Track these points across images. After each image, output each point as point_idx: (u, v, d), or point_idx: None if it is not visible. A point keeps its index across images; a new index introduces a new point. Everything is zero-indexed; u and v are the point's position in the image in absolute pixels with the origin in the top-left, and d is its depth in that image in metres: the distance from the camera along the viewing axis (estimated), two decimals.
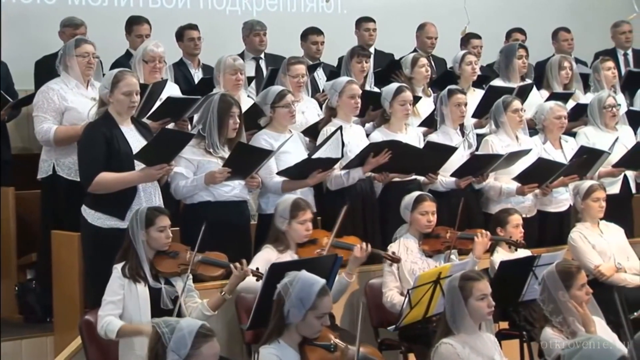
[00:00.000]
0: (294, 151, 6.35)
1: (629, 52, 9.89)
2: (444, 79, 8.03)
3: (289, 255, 5.72)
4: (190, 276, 5.25)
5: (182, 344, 3.60)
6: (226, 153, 5.92)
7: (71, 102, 6.22)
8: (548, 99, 7.80)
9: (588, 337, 3.57)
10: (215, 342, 3.69)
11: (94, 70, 6.38)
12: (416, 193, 6.27)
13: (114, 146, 5.56)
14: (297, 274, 4.51)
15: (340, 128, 6.35)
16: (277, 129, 6.39)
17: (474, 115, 7.63)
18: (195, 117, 6.29)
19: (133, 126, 5.74)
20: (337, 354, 4.53)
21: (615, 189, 7.46)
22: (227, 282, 5.35)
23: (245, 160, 5.91)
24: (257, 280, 5.28)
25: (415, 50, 8.98)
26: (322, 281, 4.52)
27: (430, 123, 7.28)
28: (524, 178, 6.92)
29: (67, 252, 5.98)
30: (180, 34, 8.38)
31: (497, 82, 8.20)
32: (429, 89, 7.86)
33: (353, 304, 6.07)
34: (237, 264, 5.26)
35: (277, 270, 4.99)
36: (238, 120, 5.98)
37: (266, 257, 5.65)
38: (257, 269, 5.34)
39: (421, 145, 6.84)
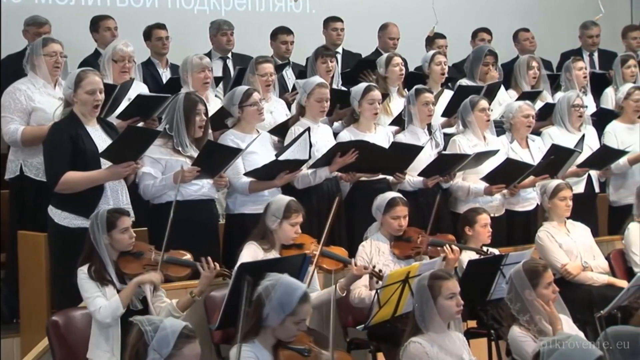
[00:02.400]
0: (261, 151, 6.35)
1: (595, 53, 9.97)
2: (411, 79, 8.05)
3: (273, 255, 5.71)
4: None
5: (164, 343, 3.61)
6: (194, 152, 5.90)
7: (38, 102, 6.18)
8: (519, 99, 7.85)
9: (568, 336, 3.61)
10: (197, 343, 3.70)
11: (62, 69, 6.34)
12: (389, 195, 6.26)
13: (80, 145, 5.54)
14: (280, 278, 4.46)
15: (309, 129, 6.35)
16: (245, 129, 6.38)
17: (443, 115, 7.66)
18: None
19: (99, 126, 5.72)
20: (311, 358, 4.53)
21: (579, 188, 7.51)
22: (193, 281, 5.34)
23: (214, 159, 5.90)
24: (223, 279, 5.26)
25: (377, 50, 9.01)
26: (304, 287, 4.49)
27: (401, 122, 7.28)
28: (491, 178, 6.95)
29: (34, 252, 5.94)
30: (148, 34, 8.35)
31: (465, 82, 8.24)
32: (405, 89, 7.88)
33: (322, 304, 6.06)
34: (204, 263, 5.24)
35: (246, 270, 4.98)
36: (204, 117, 5.97)
37: (253, 254, 5.64)
38: (222, 267, 5.32)
39: None
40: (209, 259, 5.29)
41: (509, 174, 6.96)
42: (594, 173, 7.64)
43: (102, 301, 4.99)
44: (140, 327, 3.66)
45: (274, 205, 5.79)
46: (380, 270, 5.85)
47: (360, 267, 5.72)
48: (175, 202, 5.36)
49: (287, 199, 5.88)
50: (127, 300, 5.00)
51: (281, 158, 6.27)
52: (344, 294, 5.70)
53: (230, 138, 6.30)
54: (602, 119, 8.04)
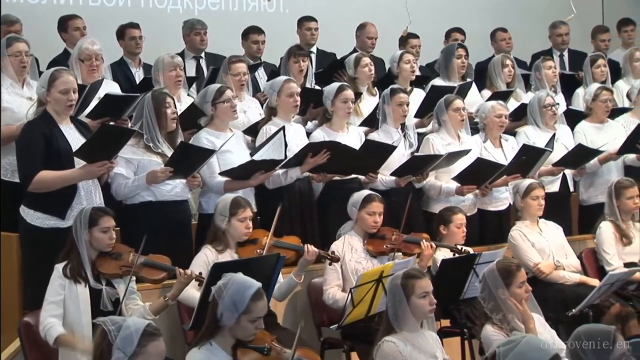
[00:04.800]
0: (236, 151, 6.34)
1: (565, 53, 10.04)
2: (386, 80, 8.06)
3: (229, 255, 5.71)
4: (134, 278, 5.22)
5: (128, 342, 3.62)
6: (166, 148, 5.88)
7: (6, 101, 6.12)
8: (490, 98, 7.88)
9: (523, 336, 3.64)
10: (161, 341, 3.71)
11: (29, 68, 6.29)
12: (365, 192, 6.29)
13: (53, 144, 5.51)
14: (232, 277, 4.47)
15: (283, 128, 6.35)
16: (219, 127, 6.37)
17: (416, 115, 7.68)
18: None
19: (72, 125, 5.69)
20: (272, 356, 4.52)
21: (554, 187, 7.56)
22: (169, 282, 5.32)
23: (187, 160, 5.88)
24: (200, 285, 5.25)
25: (355, 50, 9.02)
26: (257, 285, 4.47)
27: (371, 122, 7.30)
28: (463, 178, 6.97)
29: (5, 253, 5.88)
30: (122, 33, 8.31)
31: (438, 82, 8.27)
32: (374, 88, 7.89)
33: (296, 304, 6.07)
34: (183, 270, 5.22)
35: (220, 270, 4.96)
36: (175, 110, 5.96)
37: (204, 258, 5.63)
38: (200, 273, 5.31)
39: None
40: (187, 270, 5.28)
41: (479, 174, 6.98)
42: (568, 172, 7.68)
43: (51, 310, 5.00)
44: (104, 327, 3.67)
45: (220, 205, 5.80)
46: (333, 252, 5.88)
47: (312, 251, 5.73)
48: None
49: (232, 195, 5.89)
50: (60, 344, 4.96)
51: (256, 157, 6.26)
52: (301, 280, 5.72)
53: (205, 137, 6.28)
54: (570, 119, 8.07)
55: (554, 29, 10.04)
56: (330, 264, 5.95)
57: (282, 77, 6.86)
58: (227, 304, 4.38)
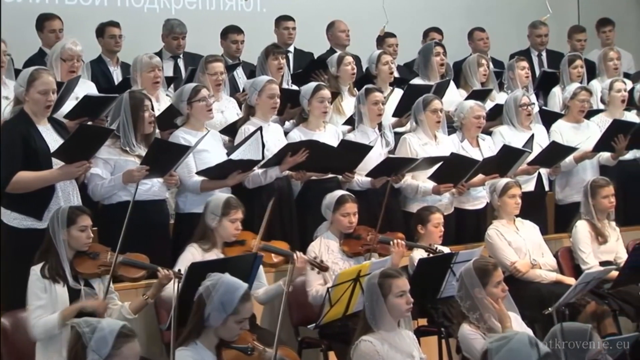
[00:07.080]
0: (212, 150, 6.33)
1: (543, 52, 10.09)
2: (364, 80, 8.06)
3: (215, 254, 5.69)
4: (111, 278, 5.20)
5: (103, 344, 3.60)
6: (143, 151, 5.87)
7: None
8: (468, 97, 7.90)
9: (515, 333, 3.65)
10: (136, 342, 3.70)
11: (5, 68, 6.25)
12: (338, 193, 6.28)
13: (31, 145, 5.47)
14: (221, 277, 4.47)
15: (260, 129, 6.34)
16: (195, 126, 6.35)
17: (394, 114, 7.68)
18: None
19: (50, 125, 5.66)
20: (254, 356, 4.53)
21: (530, 186, 7.58)
22: (147, 282, 5.30)
23: (163, 157, 5.86)
24: (179, 282, 5.24)
25: (331, 49, 9.03)
26: (245, 286, 4.49)
27: (353, 122, 7.29)
28: (439, 176, 6.98)
29: None
30: (101, 31, 8.27)
31: (416, 81, 8.28)
32: (355, 89, 7.89)
33: (274, 305, 6.06)
34: (164, 270, 5.21)
35: (196, 270, 4.96)
36: (152, 112, 5.94)
37: (191, 257, 5.61)
38: (179, 271, 5.30)
39: None
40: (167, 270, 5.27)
41: (455, 170, 6.98)
42: (544, 171, 7.71)
43: (40, 314, 4.95)
44: (78, 329, 3.64)
45: (212, 203, 5.78)
46: (322, 261, 5.88)
47: (302, 259, 5.72)
48: (132, 203, 5.30)
49: (225, 195, 5.89)
50: (65, 318, 4.90)
51: (233, 157, 6.25)
52: (290, 289, 5.70)
53: (182, 136, 6.26)
54: (546, 119, 8.11)
55: (534, 29, 10.09)
56: (318, 273, 5.94)
57: (265, 77, 6.84)
58: (215, 304, 4.38)
